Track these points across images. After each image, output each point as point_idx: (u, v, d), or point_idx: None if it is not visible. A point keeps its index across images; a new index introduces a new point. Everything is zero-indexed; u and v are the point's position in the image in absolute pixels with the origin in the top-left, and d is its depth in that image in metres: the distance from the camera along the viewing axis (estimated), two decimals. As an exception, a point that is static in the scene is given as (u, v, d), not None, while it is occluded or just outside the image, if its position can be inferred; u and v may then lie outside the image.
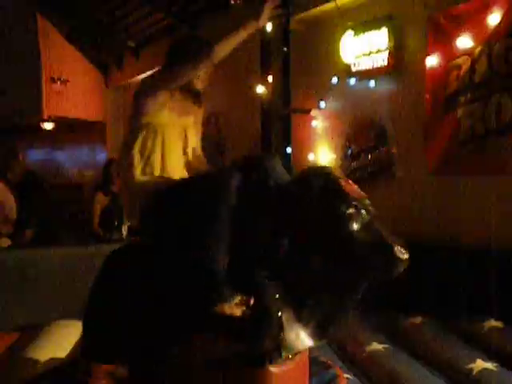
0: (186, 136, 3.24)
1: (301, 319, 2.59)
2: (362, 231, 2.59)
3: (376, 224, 2.64)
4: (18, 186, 6.29)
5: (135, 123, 3.11)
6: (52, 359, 3.85)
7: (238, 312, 2.65)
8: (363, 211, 2.61)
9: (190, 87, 3.23)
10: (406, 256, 2.57)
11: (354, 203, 2.60)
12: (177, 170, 3.17)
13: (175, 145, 3.18)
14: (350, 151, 6.93)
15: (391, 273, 2.57)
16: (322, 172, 2.76)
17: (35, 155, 12.94)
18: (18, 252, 5.39)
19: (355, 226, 2.58)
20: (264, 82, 7.54)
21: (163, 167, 3.10)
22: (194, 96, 3.30)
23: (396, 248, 2.55)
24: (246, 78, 8.14)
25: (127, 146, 3.11)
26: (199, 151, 3.38)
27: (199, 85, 3.28)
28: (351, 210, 2.59)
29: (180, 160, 3.23)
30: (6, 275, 4.99)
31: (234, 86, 8.68)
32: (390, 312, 5.21)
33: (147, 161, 3.06)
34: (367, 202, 2.68)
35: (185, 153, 3.27)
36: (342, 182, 2.68)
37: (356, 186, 2.74)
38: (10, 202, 6.15)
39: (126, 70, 11.56)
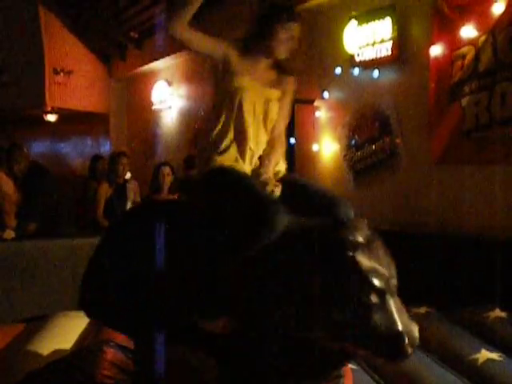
0: (268, 109, 3.07)
1: None
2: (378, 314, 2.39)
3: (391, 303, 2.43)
4: (22, 177, 6.29)
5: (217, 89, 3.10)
6: (57, 351, 3.86)
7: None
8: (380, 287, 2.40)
9: (274, 56, 3.11)
10: (410, 351, 2.41)
11: (373, 283, 2.37)
12: (259, 143, 3.05)
13: (256, 115, 3.04)
14: (353, 141, 6.91)
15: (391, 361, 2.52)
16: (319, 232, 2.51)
17: (38, 147, 12.93)
18: (22, 244, 5.39)
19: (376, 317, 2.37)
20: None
21: (244, 135, 3.01)
22: (281, 68, 3.18)
23: (406, 343, 2.37)
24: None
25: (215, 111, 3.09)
26: (280, 130, 3.16)
27: (281, 52, 3.11)
28: (373, 299, 2.37)
29: (261, 133, 3.07)
30: (10, 267, 5.01)
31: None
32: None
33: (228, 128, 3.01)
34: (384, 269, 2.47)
35: (265, 127, 3.09)
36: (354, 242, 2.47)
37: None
38: (12, 193, 6.16)
39: (130, 62, 11.55)
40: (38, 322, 4.61)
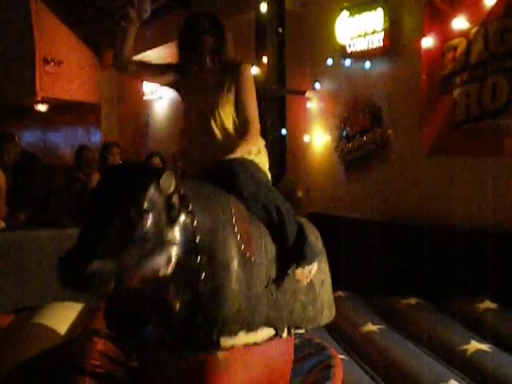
0: (219, 111, 3.07)
1: None
2: None
3: None
4: (13, 167, 6.27)
5: None
6: (47, 341, 3.85)
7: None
8: None
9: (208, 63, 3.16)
10: None
11: None
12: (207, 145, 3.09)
13: (204, 121, 3.07)
14: (345, 132, 6.92)
15: None
16: None
17: (29, 137, 12.87)
18: (12, 234, 5.37)
19: None
20: (259, 63, 7.52)
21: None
22: (225, 63, 3.17)
23: None
24: (240, 59, 8.11)
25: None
26: (245, 119, 3.06)
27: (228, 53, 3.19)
28: None
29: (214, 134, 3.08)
30: (0, 258, 4.99)
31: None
32: (385, 293, 5.23)
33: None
34: None
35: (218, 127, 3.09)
36: None
37: None
38: (2, 183, 6.13)
39: (120, 51, 11.48)
40: (28, 312, 4.59)
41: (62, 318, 4.32)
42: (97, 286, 2.16)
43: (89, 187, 6.76)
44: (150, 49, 10.27)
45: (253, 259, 2.59)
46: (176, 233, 2.37)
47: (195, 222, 2.43)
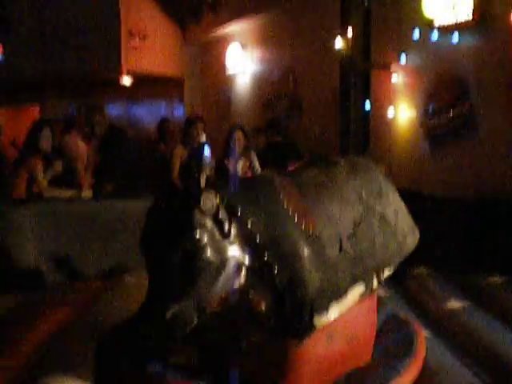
0: None
1: None
2: None
3: None
4: (102, 139, 6.43)
5: None
6: (133, 308, 3.93)
7: None
8: None
9: None
10: None
11: None
12: None
13: None
14: (430, 108, 6.77)
15: None
16: None
17: (113, 110, 13.12)
18: (99, 204, 5.50)
19: None
20: (343, 36, 7.43)
21: None
22: None
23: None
24: (324, 31, 8.03)
25: None
26: None
27: None
28: None
29: None
30: (88, 226, 5.12)
31: (312, 41, 8.59)
32: (470, 271, 5.12)
33: None
34: None
35: None
36: None
37: None
38: (86, 155, 6.30)
39: (204, 26, 11.55)
40: (115, 280, 4.72)
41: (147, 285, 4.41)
42: (182, 327, 2.29)
43: (170, 159, 6.90)
44: (236, 21, 10.30)
45: (317, 232, 2.57)
46: (235, 244, 2.40)
47: (249, 224, 2.44)
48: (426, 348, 3.21)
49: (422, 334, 3.37)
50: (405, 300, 4.44)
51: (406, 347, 3.13)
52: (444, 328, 3.95)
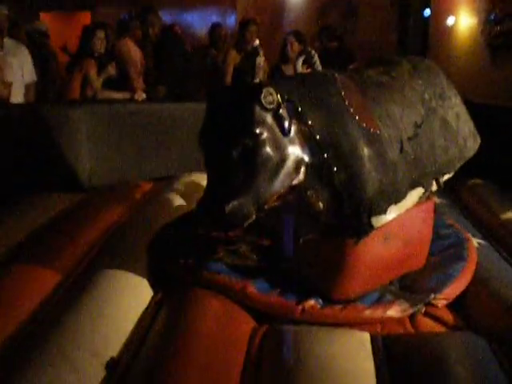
0: None
1: None
2: None
3: None
4: (156, 41, 6.39)
5: None
6: (186, 206, 3.99)
7: None
8: None
9: None
10: None
11: None
12: None
13: None
14: (493, 15, 6.52)
15: None
16: None
17: (164, 15, 12.93)
18: (152, 106, 5.51)
19: None
20: None
21: None
22: None
23: None
24: None
25: None
26: None
27: None
28: None
29: None
30: (141, 128, 5.15)
31: None
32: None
33: None
34: None
35: None
36: None
37: None
38: (138, 57, 6.26)
39: None
40: (167, 181, 4.77)
41: (200, 186, 4.44)
42: (241, 222, 2.27)
43: (223, 63, 6.85)
44: None
45: (378, 132, 2.53)
46: (295, 141, 2.37)
47: (309, 121, 2.40)
48: (478, 255, 3.20)
49: (473, 242, 3.35)
50: (458, 209, 4.42)
51: (458, 253, 3.12)
52: (496, 237, 3.92)
